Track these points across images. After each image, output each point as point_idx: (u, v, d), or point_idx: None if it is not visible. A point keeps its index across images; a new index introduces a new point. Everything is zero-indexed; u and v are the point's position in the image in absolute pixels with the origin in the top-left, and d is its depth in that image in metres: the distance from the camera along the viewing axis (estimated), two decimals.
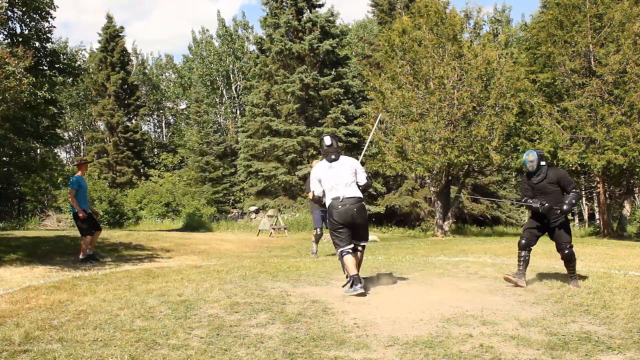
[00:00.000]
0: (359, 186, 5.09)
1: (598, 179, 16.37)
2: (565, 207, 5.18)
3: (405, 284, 5.49)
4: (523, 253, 5.38)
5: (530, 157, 5.34)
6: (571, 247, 5.26)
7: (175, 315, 4.02)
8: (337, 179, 5.01)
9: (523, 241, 5.41)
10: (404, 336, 3.43)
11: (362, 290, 4.72)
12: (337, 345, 3.25)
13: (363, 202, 5.07)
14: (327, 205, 5.06)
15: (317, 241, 8.63)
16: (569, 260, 5.25)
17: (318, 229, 8.54)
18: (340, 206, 4.91)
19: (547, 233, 5.41)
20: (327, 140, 5.19)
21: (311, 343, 3.30)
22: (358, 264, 5.05)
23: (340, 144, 5.20)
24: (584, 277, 5.66)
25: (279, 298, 4.72)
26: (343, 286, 4.98)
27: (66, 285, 5.44)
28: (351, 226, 4.97)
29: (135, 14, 70.72)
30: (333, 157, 5.11)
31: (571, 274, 5.28)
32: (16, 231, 14.91)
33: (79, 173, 8.32)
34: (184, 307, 4.31)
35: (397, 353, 3.10)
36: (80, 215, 7.89)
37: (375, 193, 24.32)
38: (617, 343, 3.23)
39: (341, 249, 4.97)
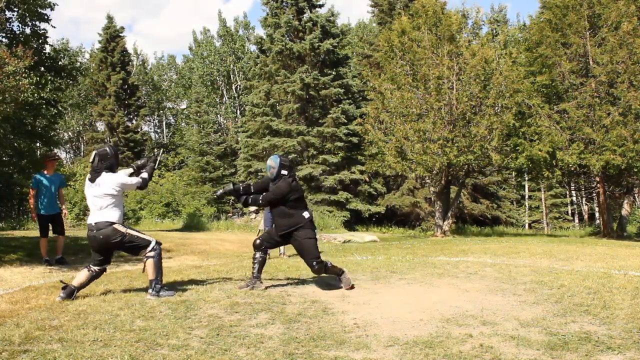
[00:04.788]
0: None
1: (598, 179, 16.38)
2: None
3: (405, 284, 5.49)
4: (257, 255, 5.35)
5: (271, 162, 5.22)
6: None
7: (175, 315, 4.02)
8: None
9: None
10: (404, 336, 3.43)
11: (58, 298, 4.60)
12: (337, 345, 3.25)
13: None
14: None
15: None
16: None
17: (267, 229, 8.60)
18: None
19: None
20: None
21: (311, 343, 3.30)
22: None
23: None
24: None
25: (279, 298, 4.72)
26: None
27: None
28: None
29: (144, 12, 70.99)
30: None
31: (337, 273, 5.20)
32: (16, 231, 14.91)
33: (45, 171, 7.85)
34: (184, 307, 4.31)
35: (397, 353, 3.10)
36: (32, 217, 7.68)
37: (375, 193, 24.33)
38: (617, 343, 3.23)
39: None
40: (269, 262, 7.83)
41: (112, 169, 4.84)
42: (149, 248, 4.80)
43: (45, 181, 7.70)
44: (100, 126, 36.78)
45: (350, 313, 4.11)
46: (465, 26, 16.84)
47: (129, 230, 4.81)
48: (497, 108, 15.32)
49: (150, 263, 4.77)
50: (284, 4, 24.01)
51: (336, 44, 23.13)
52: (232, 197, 8.87)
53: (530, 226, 32.32)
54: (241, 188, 5.33)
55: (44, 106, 10.36)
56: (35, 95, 8.94)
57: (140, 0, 70.63)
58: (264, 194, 5.20)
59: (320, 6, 24.35)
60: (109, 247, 4.80)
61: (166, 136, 43.41)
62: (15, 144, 9.83)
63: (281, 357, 3.04)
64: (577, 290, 4.93)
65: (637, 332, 3.46)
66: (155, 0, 70.99)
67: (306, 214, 5.21)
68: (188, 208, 24.49)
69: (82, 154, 38.86)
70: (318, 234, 13.21)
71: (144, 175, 5.05)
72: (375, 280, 5.77)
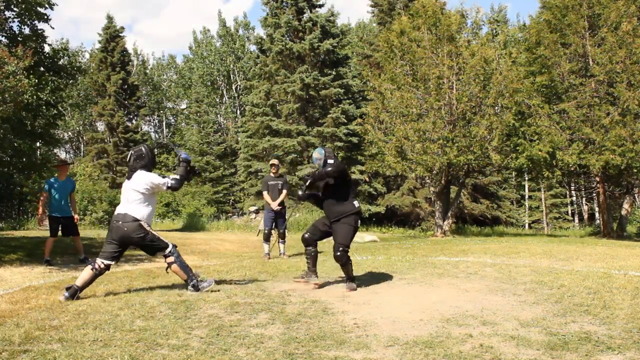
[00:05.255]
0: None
1: (598, 179, 16.38)
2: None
3: (405, 284, 5.49)
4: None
5: (316, 154, 5.38)
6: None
7: (175, 315, 4.02)
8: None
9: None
10: (404, 336, 3.43)
11: (61, 298, 4.59)
12: (337, 345, 3.25)
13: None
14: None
15: (267, 241, 8.58)
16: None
17: (267, 229, 8.58)
18: None
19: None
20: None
21: (311, 343, 3.29)
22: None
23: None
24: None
25: (279, 298, 4.72)
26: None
27: (66, 286, 5.44)
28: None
29: (145, 12, 71.02)
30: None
31: (347, 276, 5.27)
32: (16, 231, 14.91)
33: (58, 176, 8.04)
34: (184, 307, 4.31)
35: (397, 353, 3.10)
36: (39, 222, 7.95)
37: (375, 193, 24.32)
38: (617, 343, 3.23)
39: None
40: (269, 262, 7.84)
41: (148, 167, 4.96)
42: (167, 251, 4.90)
43: (57, 186, 7.88)
44: (100, 126, 36.78)
45: (350, 313, 4.11)
46: (465, 26, 16.85)
47: (152, 230, 4.87)
48: (497, 108, 15.32)
49: (176, 268, 4.92)
50: (284, 4, 24.00)
51: (336, 44, 23.12)
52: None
53: (530, 226, 32.33)
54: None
55: (43, 106, 10.35)
56: (35, 97, 8.94)
57: (141, 0, 70.71)
58: (324, 170, 5.19)
59: (320, 6, 24.34)
60: (129, 242, 4.84)
61: (166, 136, 43.41)
62: (15, 144, 9.82)
63: (281, 357, 3.04)
64: (577, 290, 4.93)
65: (637, 332, 3.46)
66: (156, 0, 71.06)
67: (356, 203, 5.34)
68: (188, 208, 24.50)
69: (82, 154, 38.86)
70: None
71: (176, 175, 5.04)
72: (375, 280, 5.77)
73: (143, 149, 5.00)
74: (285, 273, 6.40)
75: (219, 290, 4.99)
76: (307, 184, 5.36)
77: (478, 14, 17.10)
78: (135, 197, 4.81)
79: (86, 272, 4.77)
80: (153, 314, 4.07)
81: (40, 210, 7.92)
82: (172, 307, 4.32)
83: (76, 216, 8.19)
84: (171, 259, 4.89)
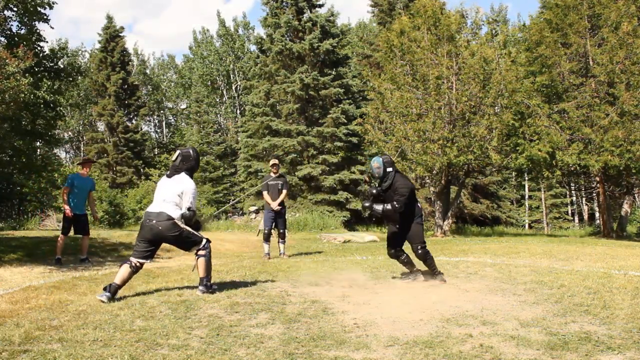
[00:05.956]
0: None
1: (597, 179, 16.38)
2: (375, 206, 5.42)
3: (405, 284, 5.49)
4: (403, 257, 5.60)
5: (375, 163, 5.48)
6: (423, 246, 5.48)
7: (175, 315, 4.02)
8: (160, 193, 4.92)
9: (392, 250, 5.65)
10: (404, 336, 3.43)
11: (103, 297, 4.54)
12: (337, 345, 3.25)
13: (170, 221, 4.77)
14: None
15: (267, 241, 8.59)
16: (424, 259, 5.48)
17: (267, 229, 8.58)
18: (147, 221, 4.83)
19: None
20: (173, 157, 5.11)
21: (311, 343, 3.29)
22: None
23: (187, 164, 4.98)
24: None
25: (279, 298, 4.72)
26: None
27: (66, 285, 5.45)
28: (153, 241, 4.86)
29: (145, 12, 71.05)
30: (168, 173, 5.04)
31: (433, 270, 5.52)
32: (16, 231, 14.90)
33: (81, 171, 8.15)
34: (184, 307, 4.31)
35: (397, 353, 3.10)
36: (66, 213, 7.84)
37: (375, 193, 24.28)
38: (617, 343, 3.23)
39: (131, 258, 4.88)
40: (269, 262, 7.84)
41: (192, 171, 5.03)
42: (201, 245, 4.93)
43: (78, 182, 7.92)
44: (100, 126, 36.78)
45: (350, 313, 4.11)
46: (465, 26, 16.84)
47: (187, 227, 4.89)
48: (496, 108, 15.32)
49: (202, 262, 4.91)
50: (284, 4, 23.99)
51: (336, 44, 23.11)
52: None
53: (530, 226, 32.33)
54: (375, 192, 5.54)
55: (42, 106, 10.34)
56: (32, 96, 8.93)
57: (141, 0, 70.70)
58: (393, 202, 5.32)
59: (320, 6, 24.34)
60: (163, 240, 4.86)
61: (166, 136, 43.41)
62: (15, 144, 9.82)
63: (281, 357, 3.04)
64: (577, 290, 4.93)
65: (637, 332, 3.46)
66: (156, 0, 71.07)
67: (419, 204, 5.57)
68: None
69: (82, 153, 38.85)
70: (318, 233, 13.37)
71: (192, 211, 4.93)
72: (375, 280, 5.77)
73: (191, 151, 5.05)
74: (285, 273, 6.40)
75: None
76: (374, 210, 5.43)
77: (478, 14, 17.10)
78: (173, 199, 4.83)
79: (124, 270, 4.75)
80: (153, 314, 4.07)
81: (65, 203, 7.90)
82: (172, 307, 4.32)
83: (96, 214, 8.27)
84: (203, 252, 4.92)
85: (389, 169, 5.40)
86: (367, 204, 5.48)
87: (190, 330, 3.59)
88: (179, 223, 4.82)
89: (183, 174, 4.95)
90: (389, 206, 5.31)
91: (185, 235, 4.85)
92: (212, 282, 5.04)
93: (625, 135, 13.76)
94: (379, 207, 5.37)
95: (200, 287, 4.90)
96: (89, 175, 8.38)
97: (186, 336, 3.45)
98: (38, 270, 6.86)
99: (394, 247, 5.63)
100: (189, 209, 4.87)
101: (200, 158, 29.80)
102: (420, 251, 5.39)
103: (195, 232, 4.94)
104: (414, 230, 5.44)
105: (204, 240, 4.96)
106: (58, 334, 3.47)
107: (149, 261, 4.98)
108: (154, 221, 4.78)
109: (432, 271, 5.52)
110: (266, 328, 3.67)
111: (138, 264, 4.82)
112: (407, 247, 5.64)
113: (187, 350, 3.15)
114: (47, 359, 2.99)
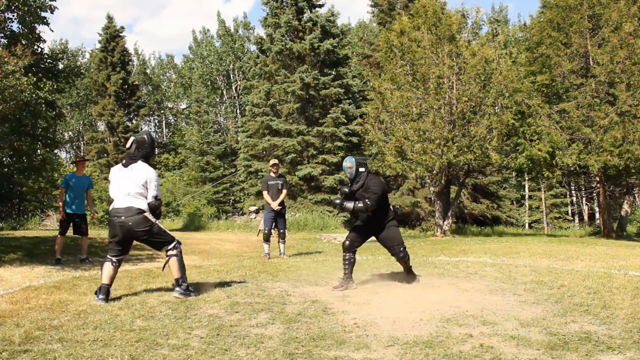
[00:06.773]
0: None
1: (597, 179, 16.38)
2: (345, 203, 5.26)
3: (405, 284, 5.49)
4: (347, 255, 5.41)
5: (348, 163, 5.42)
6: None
7: (175, 315, 4.02)
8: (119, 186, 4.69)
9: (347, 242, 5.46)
10: (404, 336, 3.43)
11: (100, 302, 4.47)
12: (337, 345, 3.25)
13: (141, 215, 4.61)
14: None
15: (267, 241, 8.58)
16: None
17: (267, 229, 8.57)
18: (115, 217, 4.63)
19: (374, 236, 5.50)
20: (127, 143, 4.84)
21: (311, 343, 3.29)
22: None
23: (143, 151, 4.74)
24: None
25: (279, 298, 4.72)
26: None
27: (66, 285, 5.44)
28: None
29: (145, 12, 71.06)
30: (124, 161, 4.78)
31: (409, 270, 5.51)
32: (16, 231, 14.90)
33: (76, 171, 8.12)
34: (184, 307, 4.31)
35: (397, 353, 3.10)
36: (59, 215, 7.83)
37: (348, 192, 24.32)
38: (617, 343, 3.23)
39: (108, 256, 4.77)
40: (269, 262, 7.83)
41: (148, 158, 4.79)
42: (171, 246, 4.79)
43: (74, 181, 7.86)
44: (101, 126, 36.78)
45: (350, 313, 4.11)
46: (465, 26, 16.84)
47: (157, 222, 4.73)
48: (496, 108, 15.31)
49: (174, 262, 4.77)
50: (284, 4, 24.00)
51: (336, 44, 23.11)
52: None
53: (530, 226, 32.32)
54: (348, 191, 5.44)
55: (42, 106, 10.34)
56: (34, 95, 8.93)
57: (141, 0, 70.71)
58: (365, 200, 5.21)
59: (320, 6, 24.34)
60: (133, 237, 4.71)
61: (166, 136, 43.41)
62: (15, 144, 9.82)
63: (281, 357, 3.04)
64: (577, 290, 4.93)
65: (637, 332, 3.46)
66: (156, 0, 71.08)
67: (392, 206, 5.57)
68: (188, 208, 24.48)
69: (82, 153, 38.85)
70: (318, 233, 13.37)
71: (159, 196, 4.83)
72: (375, 280, 5.77)
73: (146, 137, 4.80)
74: (285, 273, 6.40)
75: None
76: (344, 208, 5.29)
77: (478, 14, 17.09)
78: (137, 190, 4.62)
79: (108, 268, 4.66)
80: (153, 314, 4.07)
81: (61, 205, 7.89)
82: (172, 307, 4.32)
83: (95, 214, 8.20)
84: (174, 251, 4.77)
85: (362, 169, 5.36)
86: (337, 201, 5.32)
87: (190, 330, 3.60)
88: (149, 217, 4.65)
89: (140, 161, 4.70)
90: (360, 204, 5.20)
91: (156, 231, 4.70)
92: (188, 283, 4.86)
93: (623, 136, 13.76)
94: (349, 205, 5.24)
95: (177, 289, 4.72)
96: (85, 173, 8.34)
97: (186, 336, 3.45)
98: (38, 270, 6.86)
99: (353, 243, 5.41)
100: (155, 197, 4.69)
101: (201, 158, 29.47)
102: (402, 253, 5.35)
103: (166, 230, 4.82)
104: (393, 234, 5.39)
105: (175, 241, 4.83)
106: (58, 334, 3.47)
107: (126, 255, 4.87)
108: (123, 217, 4.58)
109: (409, 271, 5.52)
110: (266, 328, 3.67)
111: (118, 262, 4.74)
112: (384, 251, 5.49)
113: (187, 350, 3.15)
114: (47, 359, 3.00)
